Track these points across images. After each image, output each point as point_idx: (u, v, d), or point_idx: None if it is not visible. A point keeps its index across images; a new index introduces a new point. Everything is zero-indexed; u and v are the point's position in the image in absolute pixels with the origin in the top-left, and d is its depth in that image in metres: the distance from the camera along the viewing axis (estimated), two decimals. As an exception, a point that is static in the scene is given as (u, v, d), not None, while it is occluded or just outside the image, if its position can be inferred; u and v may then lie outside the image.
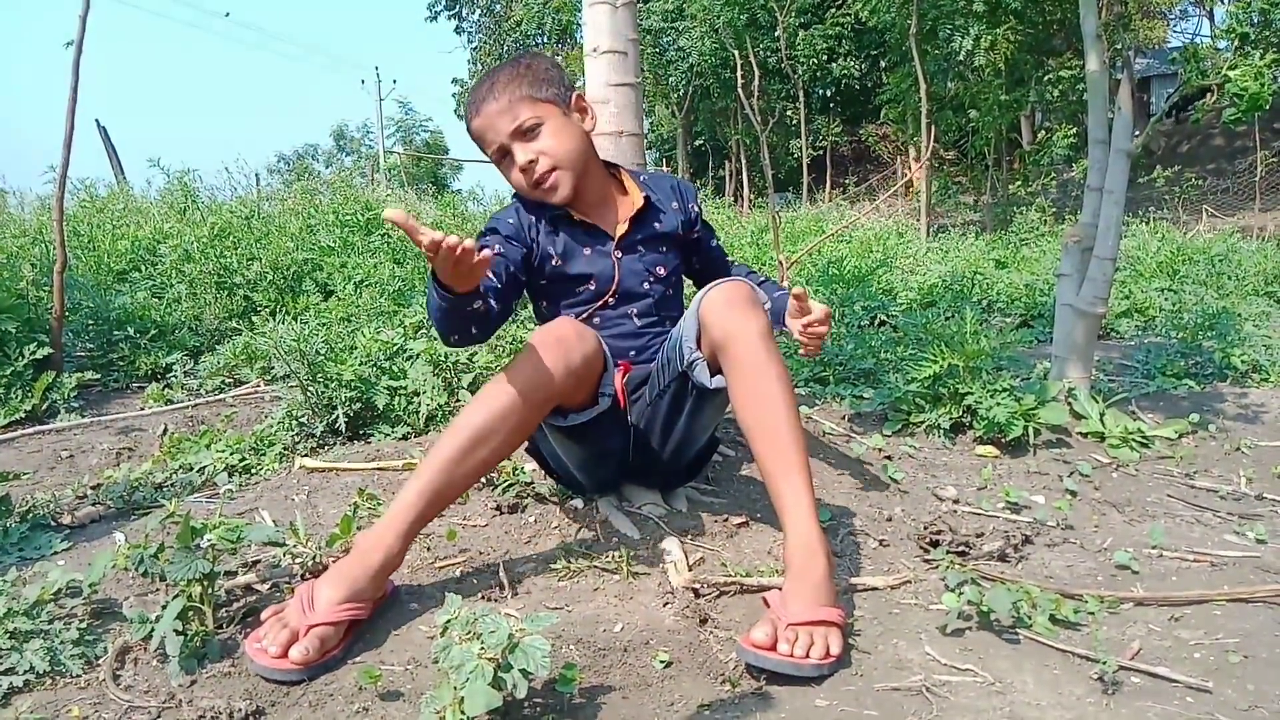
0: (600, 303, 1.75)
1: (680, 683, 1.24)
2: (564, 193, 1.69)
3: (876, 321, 4.22)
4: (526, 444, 1.87)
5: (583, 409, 1.56)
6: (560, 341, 1.47)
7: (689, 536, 1.68)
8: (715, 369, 1.55)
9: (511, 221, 1.74)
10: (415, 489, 1.40)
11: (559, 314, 1.74)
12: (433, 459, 1.42)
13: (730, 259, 1.99)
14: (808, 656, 1.25)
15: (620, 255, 1.75)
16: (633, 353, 1.77)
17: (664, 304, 1.80)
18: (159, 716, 1.15)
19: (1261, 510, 1.99)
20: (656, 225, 1.79)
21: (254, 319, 3.78)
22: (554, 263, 1.74)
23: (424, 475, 1.41)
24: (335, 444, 2.37)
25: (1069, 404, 2.46)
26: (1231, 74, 2.37)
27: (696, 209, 1.87)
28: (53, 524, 1.80)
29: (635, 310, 1.77)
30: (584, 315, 1.75)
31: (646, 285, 1.77)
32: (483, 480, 1.89)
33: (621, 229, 1.76)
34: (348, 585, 1.32)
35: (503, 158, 1.69)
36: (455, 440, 1.42)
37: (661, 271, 1.78)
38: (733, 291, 1.50)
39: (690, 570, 1.55)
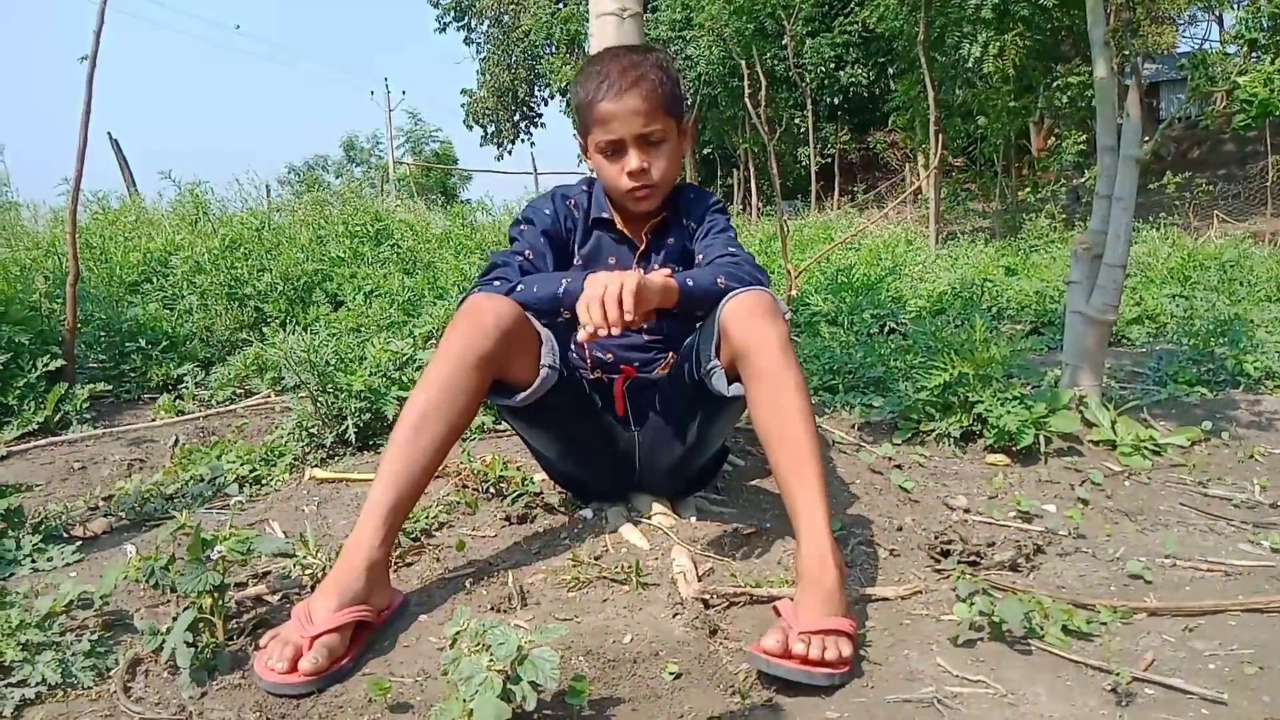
0: (604, 335, 1.75)
1: (690, 694, 1.24)
2: (650, 208, 1.75)
3: (886, 329, 4.21)
4: (529, 451, 1.88)
5: (529, 385, 1.55)
6: (473, 307, 1.50)
7: (698, 546, 1.68)
8: (732, 377, 1.55)
9: (548, 213, 1.78)
10: (380, 482, 1.43)
11: (574, 320, 1.75)
12: (388, 449, 1.46)
13: (732, 255, 1.71)
14: (819, 665, 1.25)
15: (641, 271, 1.75)
16: (636, 363, 1.78)
17: (675, 323, 1.78)
18: (170, 728, 1.15)
19: (1276, 519, 1.97)
20: (671, 242, 1.80)
21: (264, 330, 3.79)
22: (575, 261, 1.78)
23: (384, 467, 1.44)
24: (345, 454, 2.37)
25: (1080, 412, 2.45)
26: (1241, 80, 2.36)
27: (695, 224, 1.82)
28: (65, 535, 1.81)
29: (645, 325, 1.77)
30: None
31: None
32: (491, 491, 1.90)
33: (641, 245, 1.79)
34: (339, 591, 1.33)
35: (612, 149, 1.67)
36: (403, 424, 1.46)
37: (644, 326, 1.76)
38: (754, 300, 1.50)
39: (700, 581, 1.54)
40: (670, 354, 1.79)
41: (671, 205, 1.81)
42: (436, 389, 1.46)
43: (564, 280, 1.57)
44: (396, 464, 1.43)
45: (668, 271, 1.55)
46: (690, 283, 1.54)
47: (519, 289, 1.58)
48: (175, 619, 1.25)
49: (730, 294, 1.53)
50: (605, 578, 1.56)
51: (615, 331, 1.39)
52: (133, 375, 3.30)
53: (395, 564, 1.60)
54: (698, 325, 1.64)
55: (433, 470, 1.48)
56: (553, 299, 1.56)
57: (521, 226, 1.76)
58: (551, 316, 1.58)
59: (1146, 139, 2.54)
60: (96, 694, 1.22)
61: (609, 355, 1.78)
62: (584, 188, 1.84)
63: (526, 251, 1.71)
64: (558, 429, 1.70)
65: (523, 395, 1.56)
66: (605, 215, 1.78)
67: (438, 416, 1.45)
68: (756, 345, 1.47)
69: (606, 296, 1.38)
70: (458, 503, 1.85)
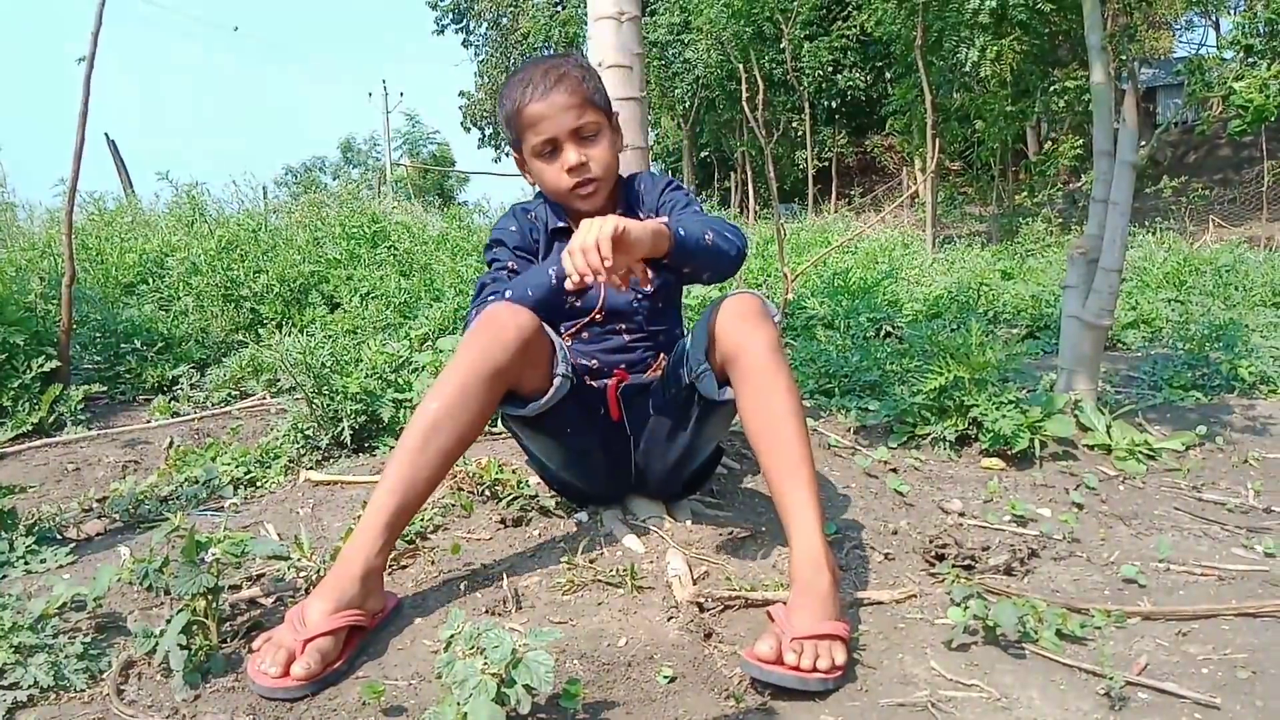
0: (588, 319, 1.75)
1: (684, 698, 1.24)
2: (597, 204, 1.71)
3: (882, 333, 4.21)
4: (527, 458, 1.88)
5: (541, 395, 1.55)
6: (491, 318, 1.48)
7: (693, 550, 1.68)
8: (723, 380, 1.55)
9: (514, 230, 1.77)
10: (384, 488, 1.42)
11: (553, 327, 1.76)
12: (395, 454, 1.44)
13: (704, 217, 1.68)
14: (813, 670, 1.25)
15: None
16: (624, 365, 1.78)
17: (654, 319, 1.79)
18: (162, 731, 1.15)
19: (1270, 523, 1.97)
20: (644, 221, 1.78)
21: (260, 331, 3.79)
22: None
23: (389, 472, 1.43)
24: (340, 457, 2.37)
25: (1075, 416, 2.46)
26: (1237, 86, 2.37)
27: (655, 212, 1.78)
28: (58, 537, 1.80)
29: (624, 326, 1.77)
30: (573, 329, 1.76)
31: (635, 303, 1.77)
32: (487, 493, 1.89)
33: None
34: (335, 595, 1.32)
35: (549, 150, 1.67)
36: (413, 431, 1.44)
37: (647, 288, 1.76)
38: (744, 304, 1.50)
39: (694, 584, 1.55)
40: (661, 355, 1.79)
41: (624, 199, 1.80)
42: (450, 400, 1.44)
43: (550, 269, 1.54)
44: (403, 471, 1.42)
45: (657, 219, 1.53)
46: (682, 232, 1.48)
47: (510, 295, 1.57)
48: (169, 621, 1.25)
49: (720, 298, 1.54)
50: (600, 581, 1.56)
51: (602, 279, 1.33)
52: (128, 376, 3.30)
53: (390, 566, 1.60)
54: (691, 328, 1.64)
55: (438, 480, 1.48)
56: (549, 288, 1.53)
57: (495, 249, 1.76)
58: (557, 308, 1.57)
59: (1143, 144, 2.55)
60: (89, 697, 1.22)
61: (593, 361, 1.77)
62: (542, 201, 1.83)
63: (510, 263, 1.71)
64: (564, 437, 1.69)
65: (535, 405, 1.55)
66: (563, 224, 1.77)
67: (449, 426, 1.44)
68: (746, 348, 1.47)
69: (585, 244, 1.33)
70: (453, 505, 1.85)
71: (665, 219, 1.50)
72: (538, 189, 1.81)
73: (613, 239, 1.32)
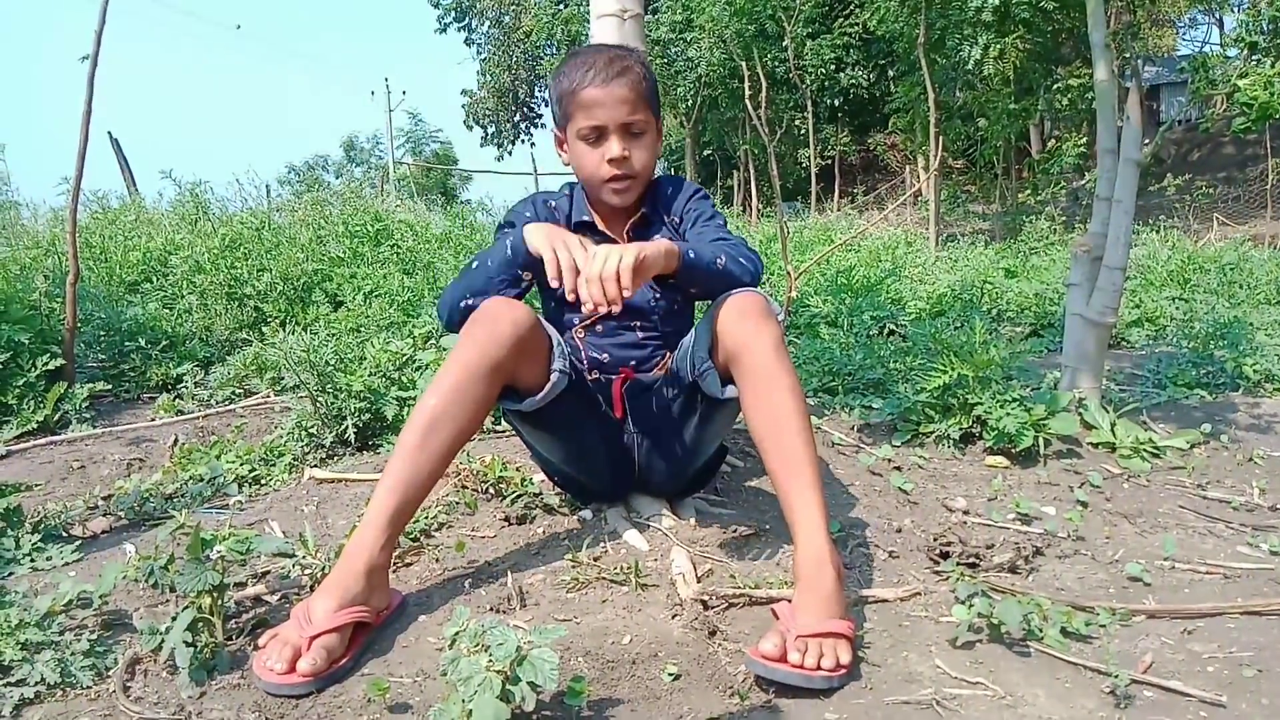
0: (605, 312, 1.76)
1: (689, 695, 1.24)
2: (628, 201, 1.75)
3: (885, 331, 4.21)
4: (531, 453, 1.88)
5: (539, 390, 1.56)
6: (488, 313, 1.49)
7: (697, 547, 1.68)
8: (726, 379, 1.55)
9: (529, 215, 1.79)
10: (385, 485, 1.42)
11: (568, 318, 1.77)
12: (396, 452, 1.45)
13: (724, 239, 1.71)
14: (817, 668, 1.25)
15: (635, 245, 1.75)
16: (633, 362, 1.78)
17: (668, 319, 1.81)
18: (168, 728, 1.15)
19: (1275, 522, 1.97)
20: (655, 239, 1.77)
21: (264, 330, 3.79)
22: None
23: (390, 470, 1.43)
24: (344, 455, 2.37)
25: (1079, 414, 2.45)
26: (1241, 83, 2.37)
27: (679, 219, 1.81)
28: (64, 535, 1.80)
29: (639, 323, 1.78)
30: (588, 322, 1.76)
31: (652, 301, 1.78)
32: (491, 491, 1.90)
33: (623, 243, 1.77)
34: (339, 592, 1.33)
35: (594, 137, 1.68)
36: (413, 428, 1.45)
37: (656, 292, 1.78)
38: (747, 302, 1.50)
39: (699, 582, 1.55)
40: (667, 353, 1.80)
41: (650, 201, 1.81)
42: (448, 395, 1.45)
43: (508, 243, 1.56)
44: (403, 469, 1.42)
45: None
46: (692, 254, 1.53)
47: (474, 267, 1.59)
48: (174, 619, 1.25)
49: (723, 296, 1.53)
50: (604, 579, 1.56)
51: (616, 309, 1.38)
52: (132, 375, 3.30)
53: (394, 564, 1.60)
54: (694, 326, 1.64)
55: (438, 476, 1.48)
56: (507, 263, 1.56)
57: (505, 230, 1.77)
58: (514, 283, 1.58)
59: (1146, 142, 2.54)
60: (95, 693, 1.22)
61: (605, 355, 1.78)
62: (565, 192, 1.85)
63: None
64: (564, 432, 1.70)
65: (533, 400, 1.56)
66: (586, 218, 1.79)
67: (447, 422, 1.44)
68: (750, 346, 1.47)
69: (605, 273, 1.38)
70: (457, 503, 1.85)
71: (675, 242, 1.52)
72: (559, 184, 1.82)
73: (633, 269, 1.37)
